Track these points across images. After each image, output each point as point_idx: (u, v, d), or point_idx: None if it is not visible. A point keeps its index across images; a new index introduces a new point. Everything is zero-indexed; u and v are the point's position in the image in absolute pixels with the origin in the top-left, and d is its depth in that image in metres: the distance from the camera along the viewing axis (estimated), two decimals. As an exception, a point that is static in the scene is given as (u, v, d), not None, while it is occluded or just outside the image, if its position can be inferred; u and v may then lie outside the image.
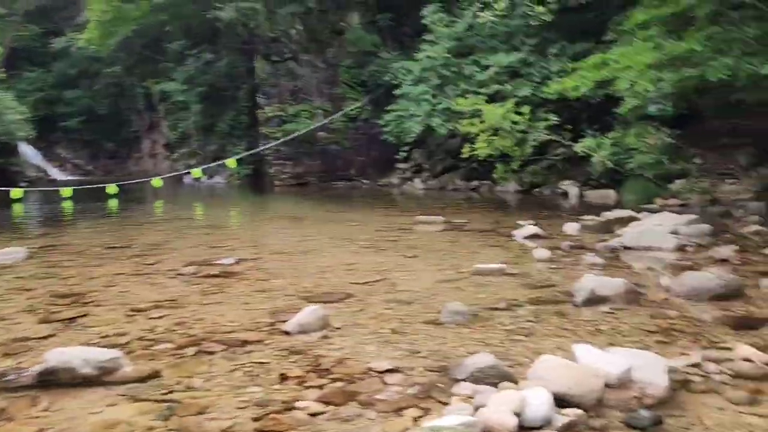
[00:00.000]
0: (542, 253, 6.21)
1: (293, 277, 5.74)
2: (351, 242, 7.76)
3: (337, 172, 19.23)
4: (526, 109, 11.18)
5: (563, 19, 12.68)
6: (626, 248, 6.64)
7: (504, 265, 5.66)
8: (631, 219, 8.36)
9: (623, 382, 2.93)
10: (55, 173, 28.80)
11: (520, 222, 8.27)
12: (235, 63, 21.44)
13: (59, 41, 29.04)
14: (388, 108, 16.36)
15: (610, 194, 12.24)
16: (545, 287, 5.07)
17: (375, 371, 3.26)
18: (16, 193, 15.47)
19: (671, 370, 3.00)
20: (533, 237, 7.52)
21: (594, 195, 12.59)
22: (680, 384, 2.97)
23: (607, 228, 8.06)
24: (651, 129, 11.50)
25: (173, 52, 23.32)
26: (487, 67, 13.88)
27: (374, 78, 18.13)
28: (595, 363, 3.01)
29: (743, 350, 3.36)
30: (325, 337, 3.94)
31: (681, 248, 6.45)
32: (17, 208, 14.50)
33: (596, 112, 12.03)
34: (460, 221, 9.29)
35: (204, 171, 18.06)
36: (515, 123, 11.00)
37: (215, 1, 18.52)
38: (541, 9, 11.00)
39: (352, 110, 18.42)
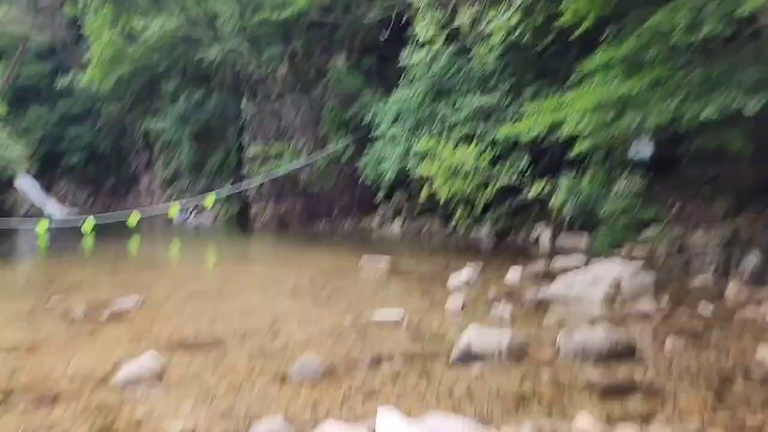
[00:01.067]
0: (456, 302, 5.79)
1: (181, 323, 5.39)
2: (277, 286, 7.40)
3: (319, 213, 18.94)
4: (487, 151, 10.82)
5: (542, 59, 12.42)
6: (553, 300, 6.20)
7: (401, 316, 5.25)
8: (579, 267, 7.92)
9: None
10: (53, 208, 28.87)
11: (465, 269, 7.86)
12: (225, 103, 21.51)
13: (64, 80, 29.51)
14: (367, 150, 16.17)
15: (582, 240, 11.78)
16: (433, 341, 4.65)
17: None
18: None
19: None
20: (466, 284, 7.10)
21: (566, 240, 12.13)
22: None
23: (552, 276, 7.62)
24: (626, 174, 11.11)
25: (167, 91, 23.51)
26: (460, 109, 13.64)
27: (357, 119, 17.98)
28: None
29: (583, 421, 2.94)
30: (148, 390, 3.57)
31: (608, 301, 5.99)
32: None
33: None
34: (408, 266, 8.89)
35: (183, 208, 17.86)
36: (478, 166, 10.65)
37: (204, 43, 18.67)
38: (483, 51, 10.87)
39: (335, 151, 18.24)
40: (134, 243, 15.68)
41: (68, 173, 31.60)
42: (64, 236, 15.71)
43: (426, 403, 3.32)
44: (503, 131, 10.46)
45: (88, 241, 15.69)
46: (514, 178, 10.89)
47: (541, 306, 5.98)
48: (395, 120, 15.53)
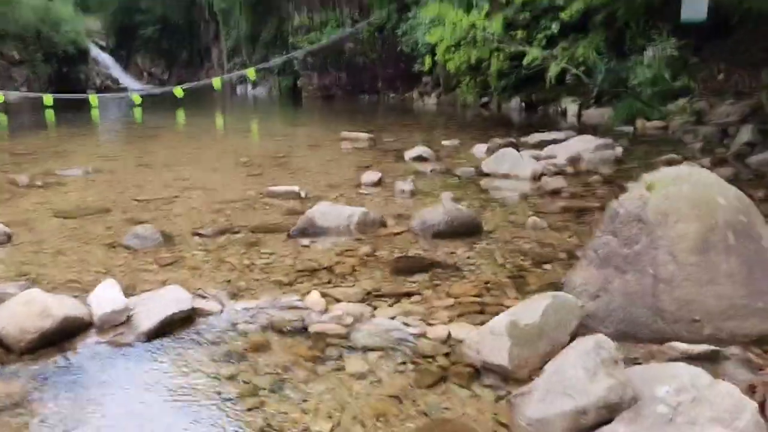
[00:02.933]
0: (370, 177, 5.63)
1: (95, 192, 5.61)
2: (235, 157, 7.50)
3: (363, 85, 18.62)
4: (498, 17, 9.91)
5: None
6: (484, 174, 5.91)
7: (295, 189, 5.20)
8: (555, 142, 7.44)
9: (106, 323, 2.59)
10: (128, 81, 30.11)
11: (445, 142, 7.61)
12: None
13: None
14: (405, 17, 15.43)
15: (607, 113, 10.97)
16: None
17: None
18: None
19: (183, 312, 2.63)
20: (418, 159, 6.88)
21: (592, 114, 11.34)
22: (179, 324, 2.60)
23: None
24: (656, 38, 10.04)
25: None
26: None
27: (399, -17, 17.02)
28: (97, 300, 2.69)
29: (311, 298, 2.87)
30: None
31: (537, 177, 5.62)
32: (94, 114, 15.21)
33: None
34: (389, 140, 8.69)
35: (230, 79, 18.05)
36: (489, 32, 9.81)
37: None
38: None
39: (376, 19, 17.54)
40: (181, 113, 16.18)
41: (143, 47, 32.48)
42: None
43: (214, 275, 3.34)
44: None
45: (138, 112, 16.45)
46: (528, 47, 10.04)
47: (469, 182, 5.72)
48: (429, -17, 14.55)
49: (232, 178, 6.17)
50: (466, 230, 3.90)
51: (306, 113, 16.38)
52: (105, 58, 30.66)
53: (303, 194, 5.16)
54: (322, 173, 6.29)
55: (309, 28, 18.34)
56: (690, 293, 2.42)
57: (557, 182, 5.18)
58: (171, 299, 2.72)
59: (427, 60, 10.92)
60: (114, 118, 15.98)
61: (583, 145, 6.81)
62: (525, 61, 9.52)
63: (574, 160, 6.45)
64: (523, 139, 7.96)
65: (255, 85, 23.03)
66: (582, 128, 9.52)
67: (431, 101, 15.77)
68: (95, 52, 29.74)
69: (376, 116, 14.07)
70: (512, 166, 5.78)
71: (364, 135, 8.68)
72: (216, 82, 17.20)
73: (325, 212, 4.14)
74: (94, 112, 15.82)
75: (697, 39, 10.62)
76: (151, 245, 3.85)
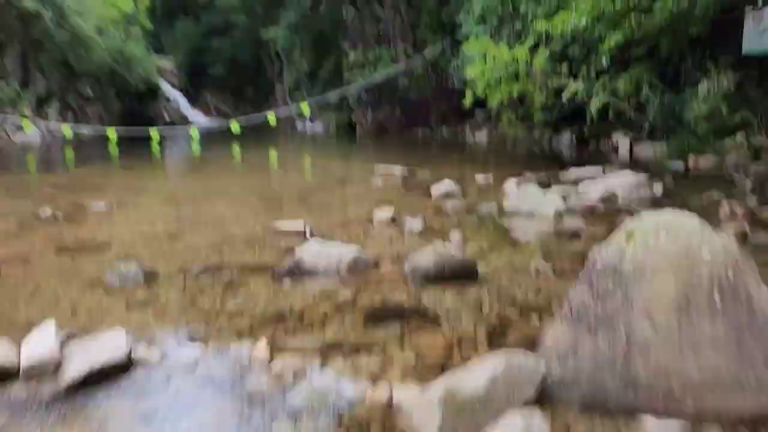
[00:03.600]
0: (384, 214, 5.41)
1: (120, 225, 5.63)
2: (262, 192, 7.45)
3: (417, 120, 18.54)
4: (540, 48, 9.53)
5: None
6: (506, 212, 5.59)
7: (300, 226, 5.03)
8: (594, 178, 7.04)
9: (32, 372, 2.45)
10: (196, 117, 31.14)
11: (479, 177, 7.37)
12: (336, 8, 21.28)
13: (205, -8, 30.96)
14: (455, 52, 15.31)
15: (659, 148, 10.42)
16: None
17: None
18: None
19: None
20: (444, 195, 6.62)
21: (644, 149, 10.81)
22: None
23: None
24: (712, 70, 9.49)
25: (285, -1, 23.77)
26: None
27: (454, 19, 16.98)
28: (29, 346, 2.56)
29: (259, 350, 2.65)
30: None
31: (559, 216, 5.26)
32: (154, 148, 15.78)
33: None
34: (424, 175, 8.46)
35: (284, 115, 18.31)
36: (532, 67, 9.47)
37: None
38: None
39: (429, 54, 17.51)
40: (236, 148, 16.50)
41: (212, 84, 33.67)
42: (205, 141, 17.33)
43: (178, 319, 3.18)
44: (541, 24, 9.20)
45: (195, 146, 16.94)
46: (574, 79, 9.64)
47: (487, 220, 5.41)
48: (481, 19, 14.45)
49: (248, 213, 6.08)
50: (459, 274, 3.60)
51: (355, 148, 16.42)
52: (176, 95, 31.90)
53: (308, 231, 4.99)
54: (340, 209, 6.12)
55: (363, 64, 18.47)
56: (667, 360, 2.07)
57: (577, 223, 4.81)
58: (108, 346, 2.57)
59: (468, 95, 10.67)
60: (172, 151, 16.47)
61: (621, 182, 6.40)
62: (565, 96, 9.12)
63: (606, 199, 6.05)
64: (561, 175, 7.59)
65: (312, 120, 23.37)
66: (632, 164, 9.08)
67: (482, 136, 15.48)
68: (166, 88, 31.04)
69: (421, 151, 13.91)
70: (535, 204, 5.44)
71: (398, 170, 8.50)
72: (271, 117, 17.50)
73: (315, 252, 3.94)
74: (155, 146, 16.35)
75: (760, 71, 9.97)
76: (130, 284, 3.75)
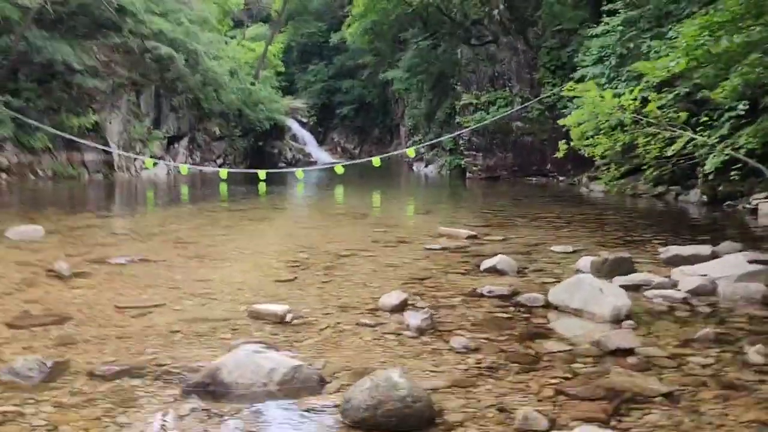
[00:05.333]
0: (391, 300, 4.39)
1: (114, 288, 5.12)
2: (299, 251, 6.70)
3: (532, 166, 17.19)
4: (654, 96, 7.91)
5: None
6: (550, 306, 4.36)
7: (282, 309, 4.16)
8: (698, 258, 5.56)
9: None
10: (321, 155, 31.65)
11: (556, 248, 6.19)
12: (452, 50, 20.62)
13: (336, 36, 31.75)
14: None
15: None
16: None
17: None
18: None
19: None
20: (492, 271, 5.48)
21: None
22: None
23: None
24: None
25: (405, 41, 23.55)
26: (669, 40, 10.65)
27: (573, 59, 15.64)
28: None
29: None
30: None
31: (621, 319, 3.95)
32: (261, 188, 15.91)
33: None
34: (493, 239, 7.32)
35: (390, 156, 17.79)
36: (642, 115, 7.92)
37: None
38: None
39: (547, 97, 16.22)
40: (339, 189, 16.27)
41: (340, 124, 34.29)
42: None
43: None
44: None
45: (300, 186, 16.90)
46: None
47: (521, 317, 4.23)
48: (598, 59, 13.11)
49: (255, 282, 5.32)
50: (402, 422, 2.54)
51: (457, 196, 15.43)
52: (304, 134, 32.77)
53: (289, 318, 4.11)
54: (359, 284, 5.19)
55: (476, 107, 17.51)
56: None
57: (626, 338, 3.51)
58: None
59: (562, 146, 9.33)
60: (277, 192, 16.42)
61: (728, 268, 4.90)
62: (672, 149, 7.55)
63: (700, 293, 4.61)
64: (657, 252, 6.13)
65: (428, 163, 22.74)
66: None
67: (599, 187, 13.85)
68: (296, 128, 31.97)
69: (525, 202, 12.63)
70: (587, 299, 4.16)
71: (464, 233, 7.42)
72: (375, 160, 17.02)
73: (240, 363, 3.05)
74: (261, 186, 16.39)
75: None
76: (25, 382, 3.10)
